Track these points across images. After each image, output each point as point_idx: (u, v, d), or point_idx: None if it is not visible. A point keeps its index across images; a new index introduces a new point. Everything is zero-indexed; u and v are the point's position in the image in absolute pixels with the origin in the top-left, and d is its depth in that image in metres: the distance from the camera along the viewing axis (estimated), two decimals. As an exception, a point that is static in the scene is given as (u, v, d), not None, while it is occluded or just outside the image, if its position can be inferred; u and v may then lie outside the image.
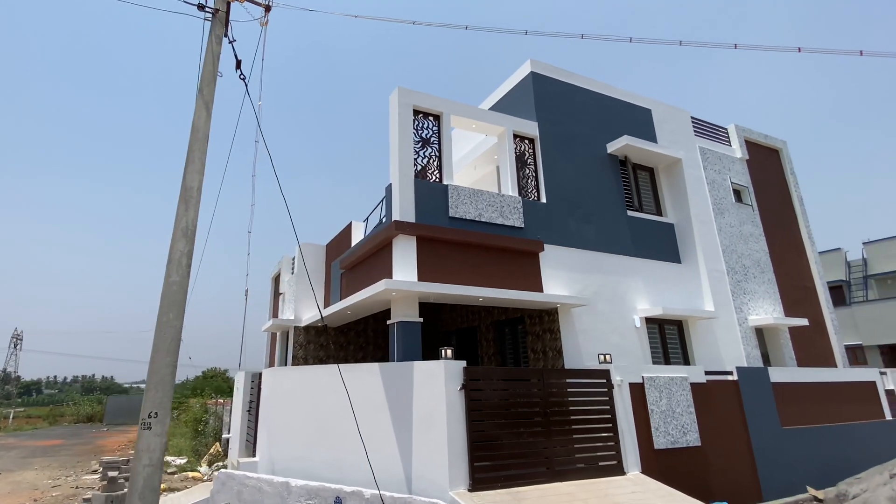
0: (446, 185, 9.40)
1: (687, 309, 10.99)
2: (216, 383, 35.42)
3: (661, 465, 8.47)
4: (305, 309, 12.52)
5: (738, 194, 13.99)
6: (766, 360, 12.89)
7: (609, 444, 8.19)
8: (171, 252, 5.88)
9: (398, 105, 9.41)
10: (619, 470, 8.05)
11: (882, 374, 12.80)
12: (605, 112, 12.23)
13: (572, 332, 9.80)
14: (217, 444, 15.09)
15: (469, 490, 6.81)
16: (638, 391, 8.77)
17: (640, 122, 12.68)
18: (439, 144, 9.83)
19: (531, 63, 11.38)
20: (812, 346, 13.70)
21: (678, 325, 11.50)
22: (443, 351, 7.55)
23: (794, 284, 14.01)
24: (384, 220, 9.62)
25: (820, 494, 9.58)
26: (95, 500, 7.76)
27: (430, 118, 9.90)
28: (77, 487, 11.17)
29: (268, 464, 8.84)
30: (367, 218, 14.70)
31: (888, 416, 12.21)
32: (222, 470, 8.77)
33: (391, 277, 8.64)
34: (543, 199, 10.50)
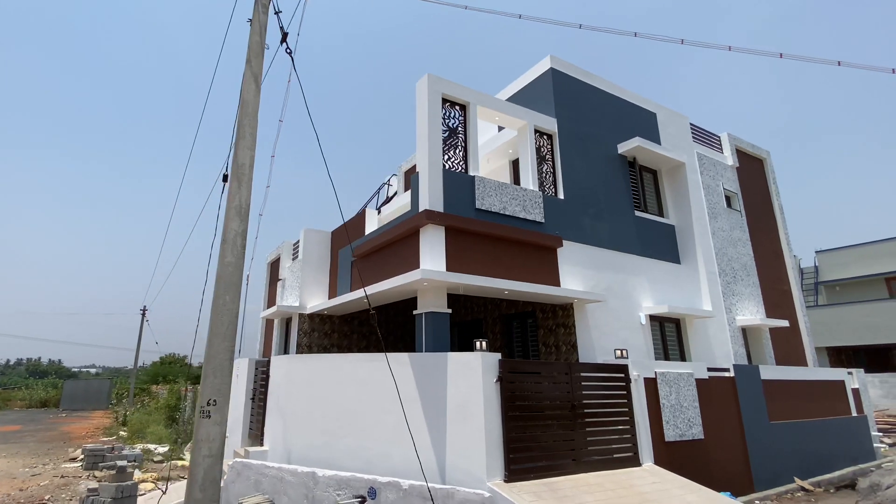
0: (473, 177, 9.35)
1: (688, 308, 11.44)
2: (174, 369, 33.99)
3: (670, 456, 8.83)
4: (310, 296, 12.18)
5: (728, 200, 14.64)
6: (749, 358, 13.62)
7: (626, 436, 8.46)
8: (224, 232, 5.61)
9: (427, 92, 9.24)
10: (635, 461, 8.33)
11: (849, 374, 13.81)
12: (616, 113, 12.47)
13: (586, 327, 10.02)
14: (200, 431, 14.49)
15: (505, 481, 6.88)
16: (651, 386, 9.09)
17: (646, 124, 13.01)
18: (465, 134, 9.74)
19: (551, 59, 11.43)
20: (787, 346, 14.59)
21: (676, 324, 11.96)
22: (477, 343, 7.55)
23: (773, 288, 14.84)
24: (409, 208, 9.43)
25: (807, 485, 10.28)
26: (104, 491, 7.31)
27: (457, 107, 9.80)
28: (62, 476, 10.46)
29: (283, 453, 8.61)
30: (366, 205, 14.45)
31: (854, 413, 13.20)
32: (237, 459, 8.47)
33: (418, 267, 8.54)
34: (561, 195, 10.62)
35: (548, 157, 10.89)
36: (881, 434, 14.45)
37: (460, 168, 9.54)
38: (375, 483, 7.00)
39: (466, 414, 7.13)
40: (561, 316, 10.20)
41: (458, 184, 9.17)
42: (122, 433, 17.54)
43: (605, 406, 8.38)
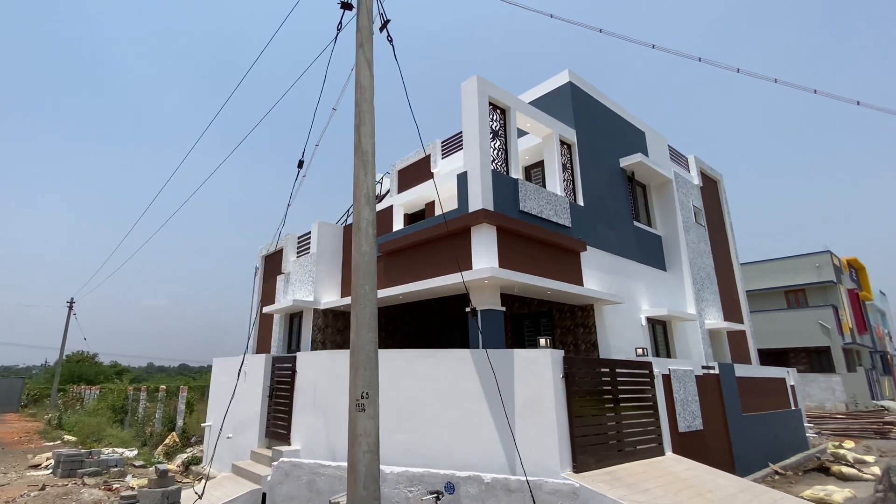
0: (516, 179, 9.66)
1: (679, 312, 12.58)
2: (88, 368, 30.40)
3: (683, 446, 9.71)
4: (323, 291, 11.69)
5: (696, 216, 16.22)
6: (714, 358, 15.19)
7: (650, 428, 9.18)
8: (356, 220, 5.47)
9: (477, 94, 9.41)
10: (660, 451, 9.07)
11: (787, 372, 15.88)
12: (617, 129, 13.40)
13: (602, 327, 10.69)
14: (172, 434, 13.31)
15: (574, 471, 7.24)
16: (666, 382, 9.93)
17: (639, 142, 14.11)
18: (506, 138, 10.02)
19: (569, 73, 12.06)
20: (738, 348, 16.45)
21: (664, 326, 13.09)
22: (542, 340, 7.85)
23: (728, 296, 16.66)
24: (459, 206, 9.50)
25: (779, 469, 11.73)
26: (146, 499, 6.54)
27: (498, 111, 10.05)
28: (43, 488, 9.04)
29: (324, 451, 8.29)
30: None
31: (793, 406, 15.21)
32: (284, 459, 8.00)
33: (469, 264, 8.68)
34: (581, 202, 11.24)
35: (567, 165, 11.47)
36: (811, 425, 16.75)
37: (502, 170, 9.80)
38: (453, 478, 7.03)
39: (536, 408, 7.38)
40: (580, 316, 10.79)
41: (504, 185, 9.43)
42: (67, 437, 15.53)
43: (636, 400, 9.05)
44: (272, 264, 13.57)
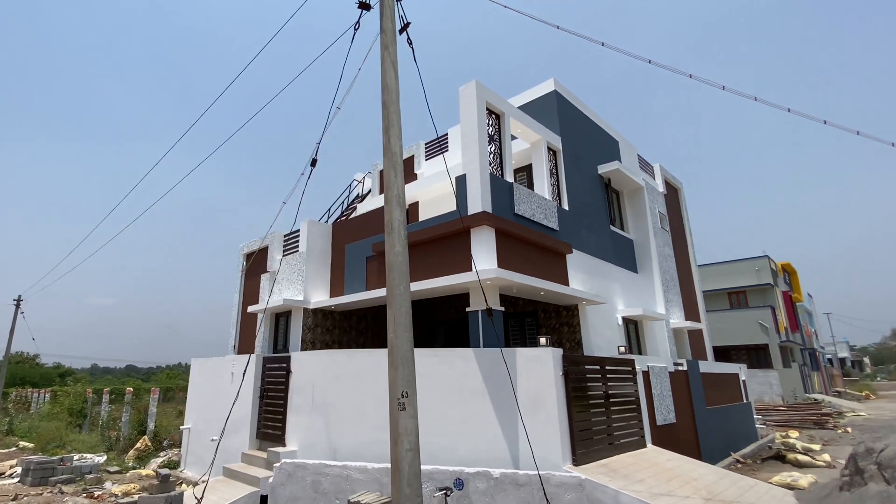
0: (511, 183, 9.95)
1: (650, 312, 13.31)
2: (24, 370, 28.24)
3: (660, 438, 10.34)
4: (313, 290, 11.50)
5: (661, 221, 17.16)
6: (677, 355, 16.14)
7: (633, 422, 9.73)
8: (388, 221, 5.56)
9: (476, 98, 9.63)
10: (643, 443, 9.63)
11: (739, 368, 17.11)
12: (594, 137, 14.01)
13: (586, 326, 11.18)
14: (144, 437, 12.69)
15: (574, 464, 7.60)
16: (646, 378, 10.54)
17: (613, 150, 14.80)
18: (500, 143, 10.30)
19: (554, 82, 12.51)
20: (696, 345, 17.54)
21: (636, 325, 13.81)
22: (542, 339, 8.17)
23: (687, 297, 17.73)
24: (457, 209, 9.67)
25: (740, 458, 12.65)
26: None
27: (493, 116, 10.31)
28: (16, 497, 8.36)
29: (324, 451, 8.25)
30: (353, 203, 14.18)
31: (745, 400, 16.41)
32: (286, 460, 7.89)
33: (469, 266, 8.88)
34: (566, 207, 11.70)
35: (553, 171, 11.90)
36: (759, 417, 18.09)
37: (497, 174, 10.07)
38: (462, 474, 7.21)
39: (539, 405, 7.68)
40: (565, 316, 11.24)
41: (501, 189, 9.70)
42: (24, 444, 14.40)
43: (622, 395, 9.56)
44: (254, 263, 13.17)
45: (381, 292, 9.96)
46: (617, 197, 14.90)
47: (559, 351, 8.03)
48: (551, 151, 11.92)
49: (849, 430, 17.60)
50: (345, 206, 15.08)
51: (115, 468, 11.02)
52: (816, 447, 13.43)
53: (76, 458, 11.05)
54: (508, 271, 8.55)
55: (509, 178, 10.16)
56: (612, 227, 13.54)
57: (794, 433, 16.06)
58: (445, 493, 7.00)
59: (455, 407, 7.97)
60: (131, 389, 14.82)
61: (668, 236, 17.25)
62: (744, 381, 16.94)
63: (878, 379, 61.84)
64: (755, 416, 16.99)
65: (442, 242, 9.66)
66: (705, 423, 12.61)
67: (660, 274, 14.65)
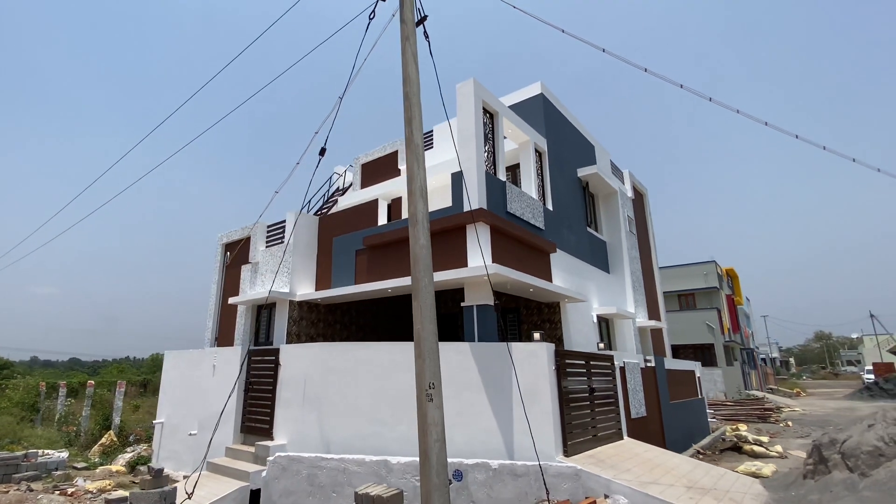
0: (504, 182, 10.15)
1: (622, 310, 13.91)
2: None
3: (634, 431, 10.87)
4: (299, 283, 11.22)
5: (629, 224, 17.91)
6: (642, 353, 16.92)
7: (612, 415, 10.19)
8: (412, 213, 5.60)
9: (473, 97, 9.75)
10: (620, 436, 10.11)
11: (696, 365, 18.15)
12: (574, 141, 14.45)
13: (567, 323, 11.58)
14: (109, 432, 12.01)
15: (565, 455, 7.90)
16: (622, 373, 11.04)
17: (590, 155, 15.32)
18: (493, 142, 10.47)
19: (541, 86, 12.81)
20: (657, 343, 18.45)
21: (607, 323, 14.39)
22: (536, 335, 8.42)
23: (650, 297, 18.60)
24: (456, 206, 9.76)
25: (701, 449, 13.43)
26: (141, 500, 5.97)
27: (487, 115, 10.47)
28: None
29: (317, 444, 8.17)
30: (333, 195, 14.02)
31: (699, 395, 17.44)
32: (280, 454, 7.74)
33: (465, 262, 9.03)
34: (550, 207, 12.03)
35: (539, 172, 12.21)
36: (711, 412, 19.24)
37: (490, 172, 10.24)
38: (461, 465, 7.34)
39: (534, 398, 7.92)
40: (547, 313, 11.59)
41: (494, 187, 9.88)
42: None
43: (604, 390, 9.99)
44: (240, 253, 12.63)
45: (373, 285, 9.91)
46: (592, 200, 15.43)
47: (551, 346, 8.30)
48: (537, 153, 12.22)
49: (789, 423, 19.04)
50: (325, 199, 14.81)
51: (82, 464, 10.40)
52: (765, 439, 14.48)
53: (40, 454, 10.33)
54: (505, 268, 8.74)
55: (502, 176, 10.36)
56: (588, 229, 14.03)
57: (742, 427, 17.22)
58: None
59: (451, 399, 8.06)
60: (93, 383, 13.93)
61: (635, 239, 18.03)
62: (699, 377, 17.99)
63: (804, 378, 66.92)
64: (708, 411, 18.07)
65: (434, 238, 9.72)
66: (670, 417, 13.33)
67: (630, 275, 15.31)
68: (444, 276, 8.78)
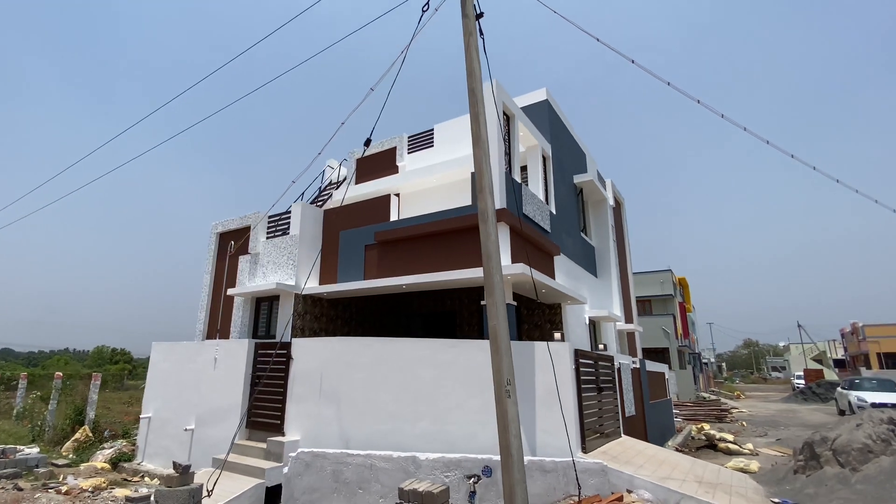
0: (521, 184, 10.31)
1: (611, 313, 14.43)
2: None
3: (628, 429, 11.33)
4: (304, 276, 10.83)
5: (612, 232, 18.58)
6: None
7: (614, 414, 10.59)
8: (482, 210, 5.69)
9: (495, 97, 9.85)
10: (619, 433, 10.52)
11: (665, 368, 19.07)
12: (571, 148, 14.85)
13: (566, 324, 11.90)
14: (84, 427, 11.16)
15: (583, 452, 8.14)
16: (618, 374, 11.47)
17: (582, 162, 15.78)
18: (509, 144, 10.61)
19: (546, 92, 13.09)
20: (631, 347, 19.24)
21: (594, 325, 14.88)
22: (556, 335, 8.62)
23: (626, 303, 19.37)
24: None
25: (677, 447, 14.13)
26: (165, 499, 5.61)
27: (505, 117, 10.59)
28: None
29: (336, 440, 8.00)
30: (326, 189, 13.78)
31: (668, 396, 18.35)
32: (302, 449, 7.50)
33: (481, 261, 9.10)
34: (553, 211, 12.32)
35: (544, 176, 12.47)
36: (677, 412, 20.24)
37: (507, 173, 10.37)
38: (490, 462, 7.41)
39: (555, 396, 8.10)
40: (548, 313, 11.86)
41: (512, 188, 10.01)
42: None
43: (607, 389, 10.35)
44: (238, 243, 11.95)
45: (387, 281, 9.79)
46: (584, 206, 15.91)
47: (573, 346, 8.53)
48: (543, 157, 12.48)
49: (744, 423, 20.34)
50: (318, 191, 14.42)
51: (63, 461, 9.61)
52: (730, 437, 15.43)
53: (18, 450, 9.44)
54: (528, 267, 8.89)
55: (517, 178, 10.51)
56: (581, 234, 14.46)
57: (706, 426, 18.25)
58: (474, 480, 7.17)
59: (474, 397, 8.15)
60: (61, 374, 12.83)
61: (615, 246, 18.73)
62: (668, 379, 18.92)
63: (737, 381, 71.53)
64: (674, 411, 19.03)
65: (450, 236, 9.77)
66: (651, 416, 13.97)
67: (618, 279, 15.90)
68: (468, 275, 8.82)
